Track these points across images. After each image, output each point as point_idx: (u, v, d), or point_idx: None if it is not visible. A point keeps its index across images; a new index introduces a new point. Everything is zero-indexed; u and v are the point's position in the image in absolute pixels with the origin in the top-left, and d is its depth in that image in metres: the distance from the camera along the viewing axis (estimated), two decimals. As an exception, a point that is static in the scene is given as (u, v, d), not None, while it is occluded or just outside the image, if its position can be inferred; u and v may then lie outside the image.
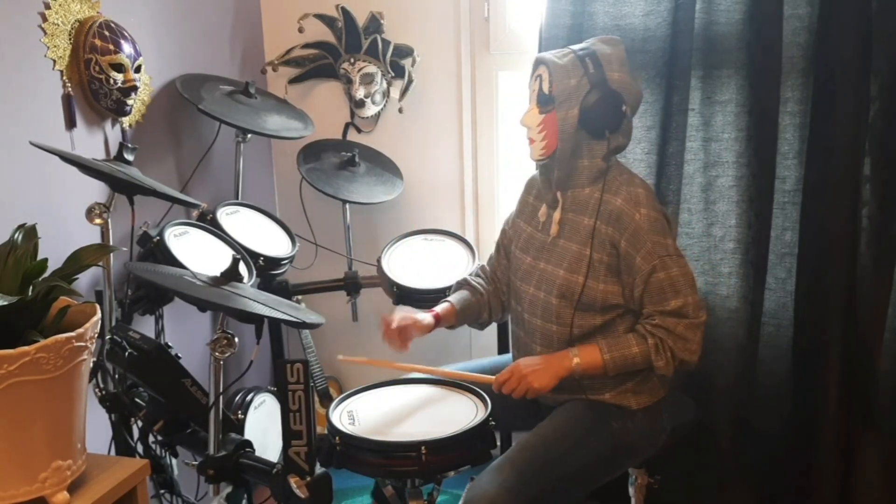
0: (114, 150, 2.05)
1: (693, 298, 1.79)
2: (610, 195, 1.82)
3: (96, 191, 1.97)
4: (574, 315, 1.84)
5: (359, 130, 2.76)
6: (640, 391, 1.87)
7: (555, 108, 1.81)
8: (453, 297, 2.05)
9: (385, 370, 2.05)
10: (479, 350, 2.69)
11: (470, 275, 2.14)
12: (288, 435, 1.56)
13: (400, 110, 2.68)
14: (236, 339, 1.65)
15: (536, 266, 1.91)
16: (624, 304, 1.84)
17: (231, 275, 1.66)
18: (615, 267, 1.82)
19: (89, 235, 1.86)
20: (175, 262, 1.90)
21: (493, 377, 1.85)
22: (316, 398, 2.58)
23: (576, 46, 1.85)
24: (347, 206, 2.60)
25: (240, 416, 2.35)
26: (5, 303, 1.30)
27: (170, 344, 2.00)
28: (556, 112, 1.81)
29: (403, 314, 1.96)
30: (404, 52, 2.63)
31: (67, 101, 1.94)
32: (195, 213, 2.23)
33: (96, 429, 1.85)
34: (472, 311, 2.05)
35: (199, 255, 2.02)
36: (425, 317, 1.96)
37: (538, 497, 1.71)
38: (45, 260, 1.40)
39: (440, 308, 2.00)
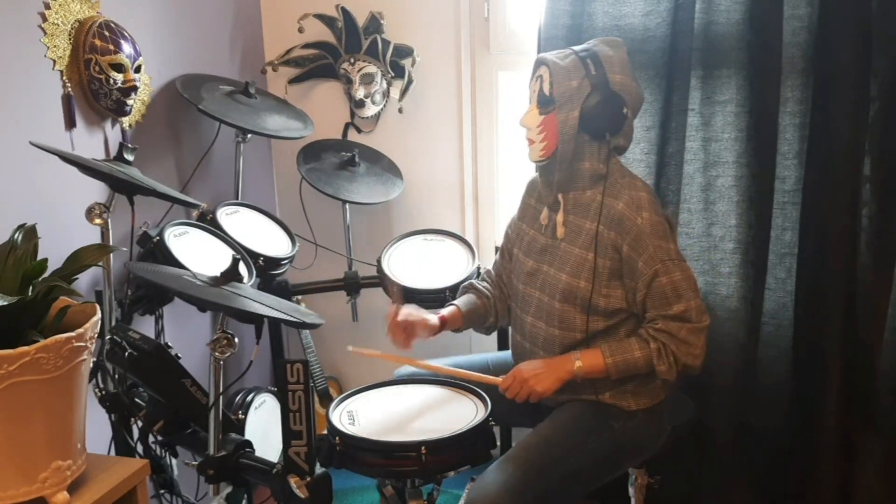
0: (114, 150, 2.05)
1: (696, 303, 1.79)
2: (612, 199, 1.81)
3: (96, 191, 1.97)
4: (579, 319, 1.84)
5: (359, 130, 2.76)
6: (639, 393, 1.87)
7: (555, 109, 1.80)
8: (459, 301, 2.05)
9: (389, 367, 2.06)
10: (479, 347, 2.69)
11: (476, 279, 2.14)
12: (288, 435, 1.56)
13: (400, 110, 2.68)
14: (236, 339, 1.65)
15: (540, 269, 1.91)
16: (627, 309, 1.84)
17: (231, 275, 1.66)
18: (618, 271, 1.81)
19: (89, 235, 1.86)
20: (175, 263, 1.90)
21: (500, 379, 1.85)
22: (316, 398, 2.58)
23: (578, 47, 1.84)
24: (347, 206, 2.60)
25: (240, 416, 2.36)
26: (5, 303, 1.30)
27: (170, 344, 2.00)
28: (556, 114, 1.80)
29: (411, 310, 1.95)
30: (404, 52, 2.63)
31: (67, 101, 1.94)
32: (195, 213, 2.23)
33: (96, 429, 1.85)
34: (479, 314, 2.04)
35: (199, 255, 2.02)
36: (432, 318, 1.96)
37: (540, 496, 1.71)
38: (45, 260, 1.40)
39: (446, 311, 2.00)
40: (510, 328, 2.04)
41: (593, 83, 1.77)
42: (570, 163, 1.82)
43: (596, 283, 1.81)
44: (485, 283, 2.10)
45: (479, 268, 2.37)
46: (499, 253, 2.13)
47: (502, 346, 2.51)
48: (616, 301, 1.83)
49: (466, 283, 2.13)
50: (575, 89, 1.78)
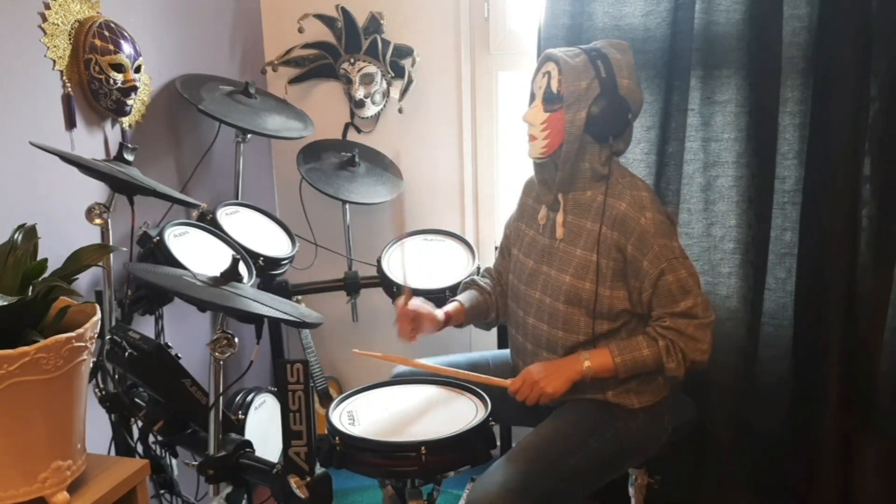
0: (114, 150, 2.05)
1: (702, 298, 1.80)
2: (614, 199, 1.82)
3: (96, 191, 1.97)
4: (584, 321, 1.84)
5: (359, 130, 2.76)
6: (642, 390, 1.87)
7: (562, 107, 1.80)
8: (462, 297, 2.06)
9: (390, 367, 2.06)
10: (479, 345, 2.70)
11: (477, 276, 2.14)
12: (288, 435, 1.56)
13: (400, 110, 2.68)
14: (236, 340, 1.65)
15: (540, 270, 1.91)
16: (631, 311, 1.84)
17: (231, 275, 1.66)
18: (621, 272, 1.82)
19: (89, 235, 1.86)
20: (175, 263, 1.90)
21: (508, 381, 1.85)
22: (316, 398, 2.58)
23: (586, 46, 1.85)
24: (347, 206, 2.60)
25: (240, 416, 2.35)
26: (5, 303, 1.30)
27: (170, 344, 2.00)
28: (563, 113, 1.80)
29: (420, 302, 1.96)
30: (404, 52, 2.63)
31: (67, 101, 1.94)
32: (195, 213, 2.23)
33: (96, 429, 1.85)
34: (481, 310, 2.05)
35: (199, 255, 2.02)
36: (437, 313, 1.97)
37: (542, 496, 1.71)
38: (45, 260, 1.40)
39: (450, 307, 2.01)
40: (509, 327, 2.04)
41: (602, 86, 1.78)
42: (573, 163, 1.83)
43: (600, 285, 1.82)
44: (486, 280, 2.11)
45: (479, 268, 2.37)
46: (498, 251, 2.13)
47: (502, 344, 2.51)
48: (619, 302, 1.83)
49: (468, 279, 2.13)
50: (584, 90, 1.78)
